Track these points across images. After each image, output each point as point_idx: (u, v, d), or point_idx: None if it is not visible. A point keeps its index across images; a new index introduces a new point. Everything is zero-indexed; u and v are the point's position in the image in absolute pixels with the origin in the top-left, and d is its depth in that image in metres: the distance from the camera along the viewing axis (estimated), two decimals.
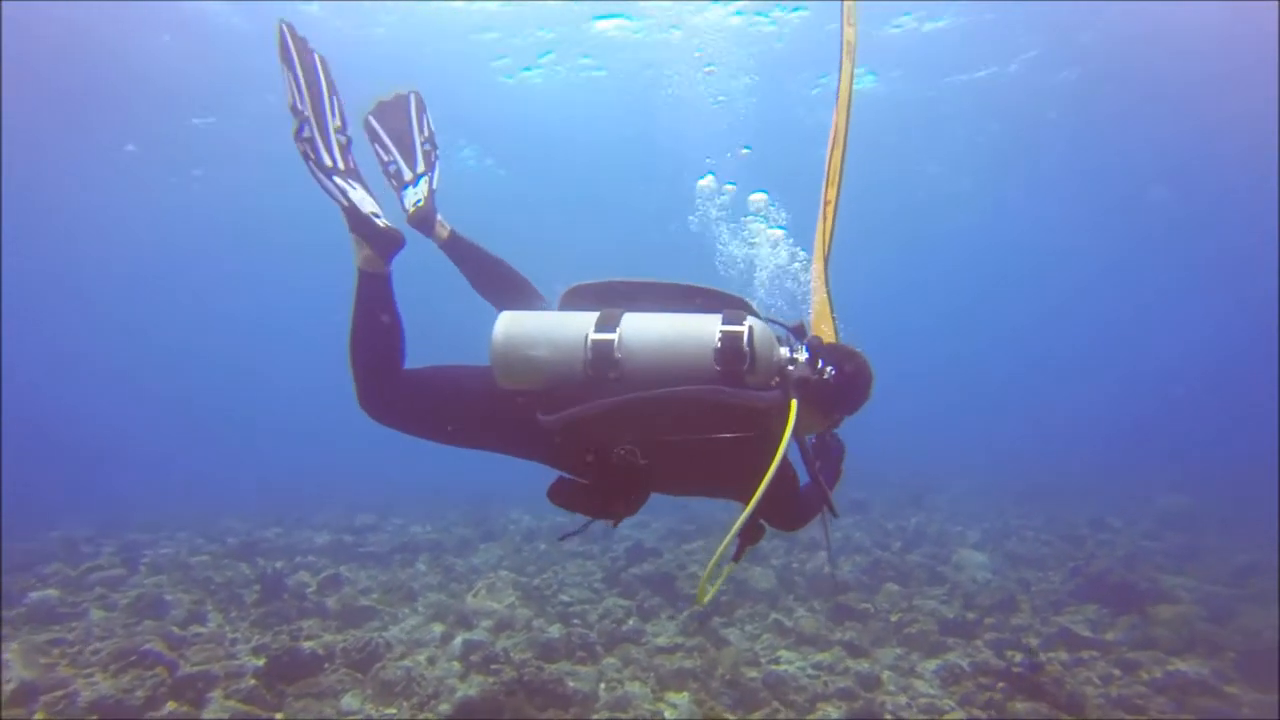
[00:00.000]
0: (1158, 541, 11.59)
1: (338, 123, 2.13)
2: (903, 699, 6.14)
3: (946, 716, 5.84)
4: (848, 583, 8.22)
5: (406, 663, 6.66)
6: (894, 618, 7.62)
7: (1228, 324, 35.64)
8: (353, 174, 2.13)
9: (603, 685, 6.68)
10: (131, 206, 22.15)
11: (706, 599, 2.19)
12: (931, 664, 6.79)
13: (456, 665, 6.80)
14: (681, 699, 6.44)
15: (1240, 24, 14.24)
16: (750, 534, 2.23)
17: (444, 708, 5.77)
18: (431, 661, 6.98)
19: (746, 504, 2.00)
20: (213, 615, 8.01)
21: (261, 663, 6.21)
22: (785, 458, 1.97)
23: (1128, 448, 26.97)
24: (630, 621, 7.99)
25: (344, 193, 2.04)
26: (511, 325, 2.07)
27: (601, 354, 1.97)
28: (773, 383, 2.09)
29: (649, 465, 2.06)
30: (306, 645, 6.60)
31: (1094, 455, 24.36)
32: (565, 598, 8.91)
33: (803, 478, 2.29)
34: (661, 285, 2.22)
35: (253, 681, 5.89)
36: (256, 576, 8.80)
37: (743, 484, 2.02)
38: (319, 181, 2.05)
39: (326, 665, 6.34)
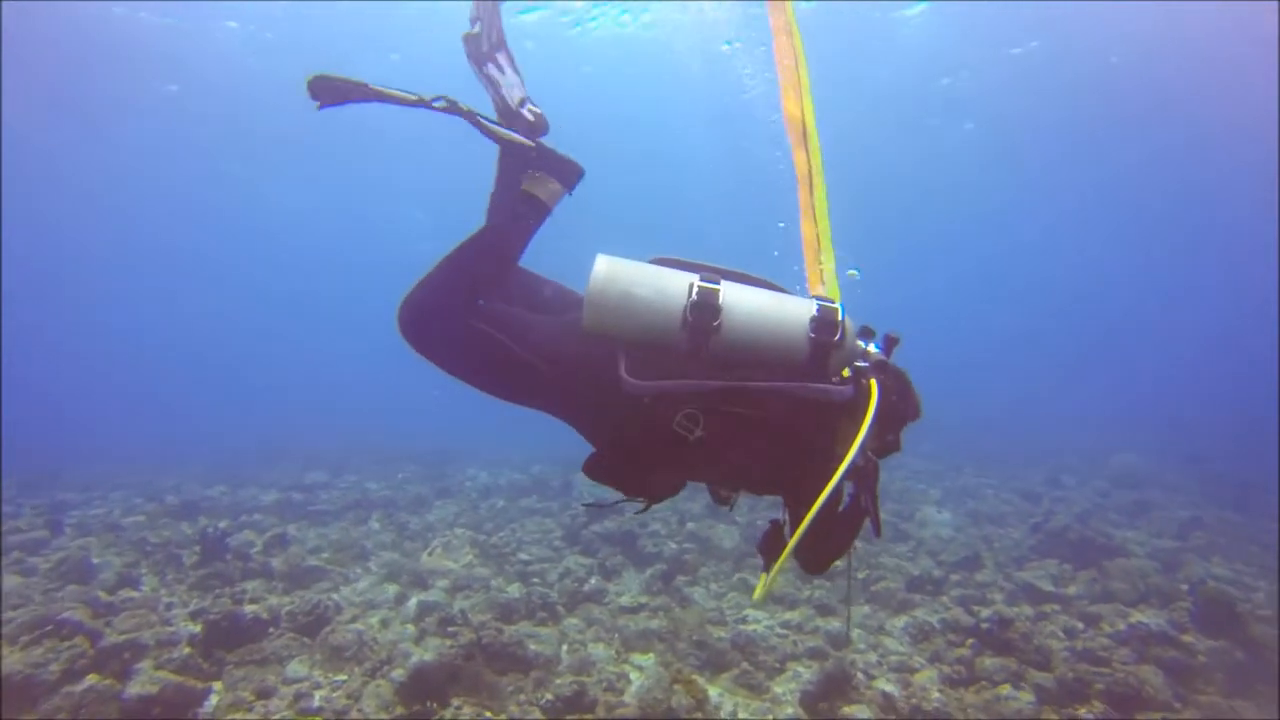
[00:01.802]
0: (1109, 498, 11.87)
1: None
2: (873, 657, 6.06)
3: (918, 674, 5.78)
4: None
5: (358, 626, 6.30)
6: (861, 575, 7.55)
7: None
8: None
9: (565, 647, 6.45)
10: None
11: (757, 596, 2.21)
12: (900, 621, 6.73)
13: (411, 628, 6.48)
14: (647, 660, 6.25)
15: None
16: (774, 547, 2.13)
17: (398, 673, 5.44)
18: (385, 624, 6.64)
19: (791, 501, 1.98)
20: (147, 579, 7.49)
21: (199, 629, 5.78)
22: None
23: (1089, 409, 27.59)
24: (592, 581, 7.76)
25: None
26: (615, 263, 1.97)
27: (706, 303, 1.90)
28: (845, 374, 2.06)
29: (703, 440, 1.96)
30: (249, 609, 6.19)
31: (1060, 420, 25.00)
32: (524, 556, 8.63)
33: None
34: (738, 272, 2.12)
35: (188, 650, 5.46)
36: (197, 536, 8.27)
37: (793, 476, 1.96)
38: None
39: (271, 630, 5.95)
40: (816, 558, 2.17)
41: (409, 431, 22.43)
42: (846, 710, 4.94)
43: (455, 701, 5.20)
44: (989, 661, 5.75)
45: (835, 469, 1.88)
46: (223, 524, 9.15)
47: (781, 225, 2.46)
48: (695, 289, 1.93)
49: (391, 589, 7.57)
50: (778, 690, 5.64)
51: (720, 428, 1.96)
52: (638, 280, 1.95)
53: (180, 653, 5.42)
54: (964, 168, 24.99)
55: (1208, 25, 14.84)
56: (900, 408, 2.14)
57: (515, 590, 7.57)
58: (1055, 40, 16.92)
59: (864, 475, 2.12)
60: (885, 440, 2.17)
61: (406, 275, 2.10)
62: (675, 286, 1.94)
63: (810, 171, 2.35)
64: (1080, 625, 6.61)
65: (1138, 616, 6.72)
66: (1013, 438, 19.84)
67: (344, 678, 5.52)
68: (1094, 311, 44.96)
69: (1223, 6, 14.20)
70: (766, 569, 2.17)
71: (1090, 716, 5.27)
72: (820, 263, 2.32)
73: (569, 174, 2.17)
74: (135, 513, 10.33)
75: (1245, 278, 33.17)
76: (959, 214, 30.67)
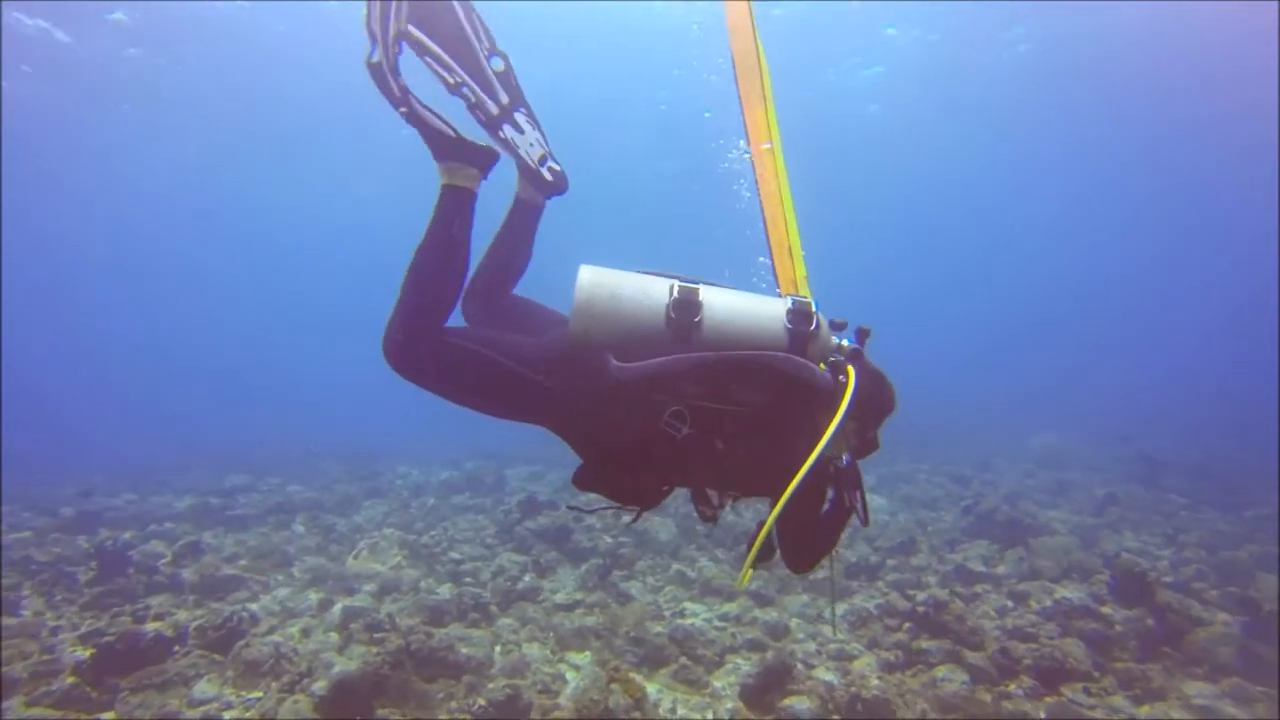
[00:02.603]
0: (1034, 479, 12.33)
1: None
2: (812, 646, 6.04)
3: (857, 661, 5.78)
4: (750, 532, 8.07)
5: (275, 638, 5.90)
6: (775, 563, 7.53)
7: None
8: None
9: (498, 649, 6.21)
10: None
11: (745, 582, 2.14)
12: (839, 609, 6.74)
13: (334, 636, 6.11)
14: (584, 659, 6.08)
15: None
16: (763, 548, 2.10)
17: (319, 686, 5.08)
18: (306, 634, 6.25)
19: (774, 503, 1.96)
20: (29, 601, 6.82)
21: (89, 654, 5.27)
22: (824, 470, 2.04)
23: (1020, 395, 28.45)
24: (526, 578, 7.53)
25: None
26: (598, 271, 2.03)
27: (687, 302, 1.98)
28: (821, 367, 2.06)
29: (691, 439, 2.00)
30: (151, 627, 5.70)
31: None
32: (456, 555, 8.32)
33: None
34: (713, 282, 2.18)
35: (71, 679, 4.95)
36: (94, 550, 7.62)
37: (778, 473, 1.95)
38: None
39: (176, 649, 5.50)
40: (803, 557, 2.19)
41: (342, 430, 21.66)
42: (786, 702, 4.87)
43: (381, 713, 4.90)
44: (926, 644, 5.80)
45: (819, 461, 1.90)
46: (127, 535, 8.48)
47: (762, 260, 2.48)
48: (676, 289, 2.01)
49: (315, 595, 7.16)
50: (717, 684, 5.55)
51: (707, 425, 2.00)
52: (622, 285, 2.01)
53: (61, 684, 4.90)
54: (957, 160, 25.51)
55: (1208, 15, 15.18)
56: (877, 402, 2.17)
57: (446, 591, 7.28)
58: (1048, 29, 17.18)
59: (846, 478, 2.17)
60: (865, 438, 2.22)
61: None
62: (657, 289, 2.01)
63: (778, 179, 2.36)
64: (1010, 604, 6.77)
65: (1061, 592, 6.92)
66: (958, 424, 20.43)
67: (258, 695, 5.14)
68: (1086, 305, 46.21)
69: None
70: (754, 564, 2.16)
71: (1019, 691, 5.38)
72: (792, 270, 2.34)
73: (483, 159, 2.10)
74: (21, 529, 9.45)
75: (1244, 270, 34.23)
76: (950, 205, 31.39)
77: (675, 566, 7.71)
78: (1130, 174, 25.43)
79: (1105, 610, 6.42)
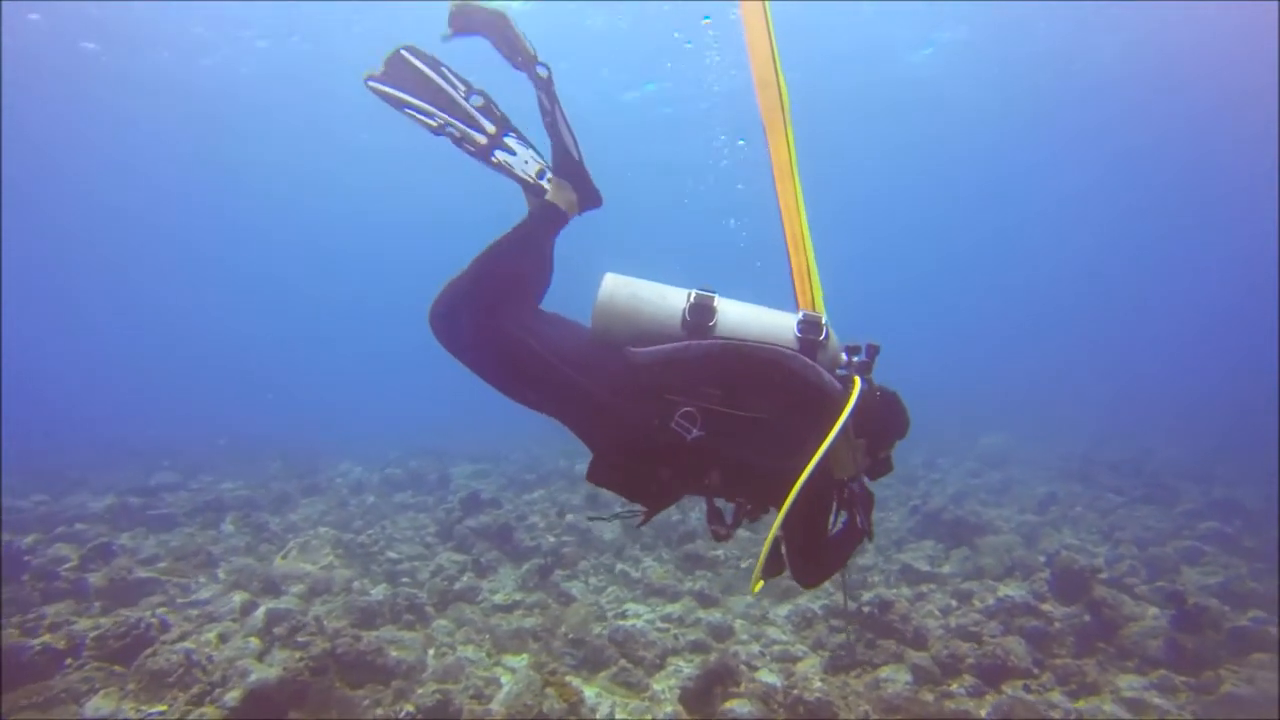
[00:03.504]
0: (980, 478, 12.50)
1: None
2: (756, 647, 5.91)
3: (800, 662, 5.67)
4: (695, 531, 7.93)
5: (187, 644, 5.50)
6: (744, 564, 7.42)
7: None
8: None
9: (432, 652, 5.94)
10: None
11: (758, 589, 2.25)
12: (784, 609, 6.63)
13: (255, 641, 5.73)
14: (520, 661, 5.84)
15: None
16: (773, 561, 2.20)
17: (231, 696, 4.73)
18: (224, 639, 5.86)
19: (780, 512, 1.98)
20: None
21: None
22: (827, 479, 2.11)
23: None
24: (465, 578, 7.25)
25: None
26: (620, 278, 2.16)
27: (702, 306, 2.09)
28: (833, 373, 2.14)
29: (700, 441, 2.05)
30: (39, 640, 5.21)
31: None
32: (393, 555, 7.99)
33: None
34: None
35: None
36: None
37: (784, 482, 1.97)
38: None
39: (68, 661, 5.06)
40: (810, 572, 2.24)
41: (286, 426, 20.89)
42: (727, 705, 4.72)
43: None
44: (870, 644, 5.72)
45: (822, 476, 1.96)
46: (28, 539, 7.88)
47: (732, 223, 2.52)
48: (693, 295, 2.12)
49: (238, 598, 6.74)
50: (657, 687, 5.38)
51: (716, 429, 2.05)
52: (642, 290, 2.14)
53: None
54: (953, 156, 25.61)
55: (1209, 13, 15.29)
56: (886, 420, 2.21)
57: (380, 592, 6.96)
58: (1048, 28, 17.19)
59: (857, 500, 2.22)
60: (877, 458, 2.25)
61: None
62: (675, 294, 2.13)
63: (796, 201, 2.40)
64: (954, 603, 6.76)
65: (1004, 590, 6.96)
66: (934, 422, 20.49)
67: (162, 709, 4.74)
68: (1080, 304, 45.84)
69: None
70: (764, 575, 2.23)
71: (962, 690, 5.34)
72: (810, 292, 2.38)
73: (588, 193, 2.37)
74: None
75: (1242, 271, 34.35)
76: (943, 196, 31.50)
77: (619, 567, 7.52)
78: (1128, 173, 25.79)
79: (1045, 607, 6.46)
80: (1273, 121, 19.36)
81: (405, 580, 7.39)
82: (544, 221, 2.28)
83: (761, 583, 2.24)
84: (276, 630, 5.81)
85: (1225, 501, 10.56)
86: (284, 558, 7.58)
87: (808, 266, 2.41)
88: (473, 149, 2.29)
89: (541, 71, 2.29)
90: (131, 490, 10.71)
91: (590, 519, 2.45)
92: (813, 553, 2.19)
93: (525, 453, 14.43)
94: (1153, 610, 6.41)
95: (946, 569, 7.65)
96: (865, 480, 2.28)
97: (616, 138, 21.46)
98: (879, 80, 20.02)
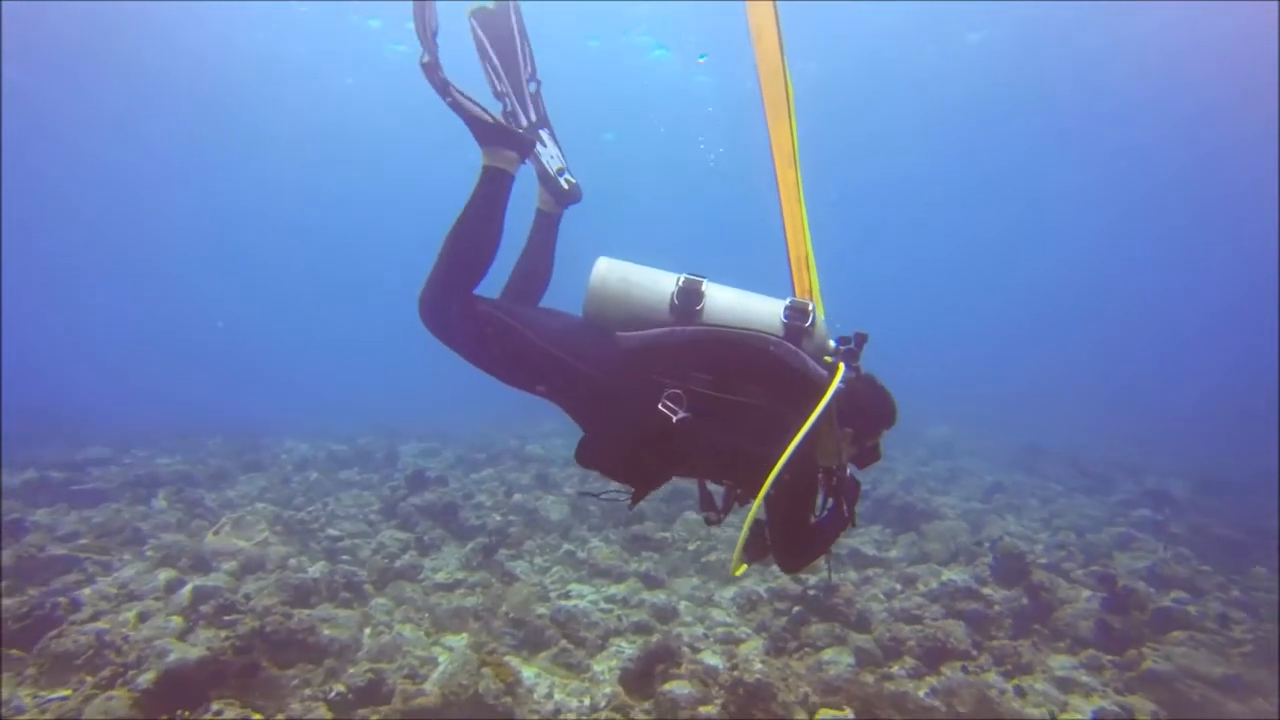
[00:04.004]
0: (929, 467, 12.71)
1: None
2: (699, 629, 5.87)
3: (743, 644, 5.64)
4: (645, 512, 7.86)
5: (99, 625, 5.20)
6: (691, 546, 7.37)
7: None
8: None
9: (368, 630, 5.76)
10: None
11: (739, 572, 2.28)
12: (729, 591, 6.60)
13: (177, 620, 5.46)
14: (459, 641, 5.69)
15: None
16: (756, 545, 2.23)
17: (145, 679, 4.47)
18: (143, 618, 5.56)
19: (759, 493, 2.01)
20: None
21: None
22: (811, 465, 2.13)
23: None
24: (406, 556, 7.05)
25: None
26: (613, 262, 2.21)
27: (690, 290, 2.13)
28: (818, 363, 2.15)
29: (686, 423, 2.06)
30: None
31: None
32: (334, 532, 7.74)
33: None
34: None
35: None
36: None
37: (769, 462, 1.98)
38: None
39: None
40: (792, 557, 2.25)
41: (226, 403, 20.25)
42: (667, 686, 4.65)
43: (216, 705, 4.35)
44: (814, 628, 5.73)
45: (803, 455, 1.97)
46: None
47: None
48: (682, 280, 2.17)
49: (164, 575, 6.42)
50: (598, 668, 5.29)
51: (702, 409, 2.07)
52: (633, 274, 2.19)
53: None
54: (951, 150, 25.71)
55: (1211, 8, 15.45)
56: (871, 409, 2.21)
57: (318, 569, 6.71)
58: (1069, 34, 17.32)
59: (845, 488, 2.25)
60: (864, 447, 2.25)
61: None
62: (665, 279, 2.18)
63: (797, 190, 2.43)
64: (899, 587, 6.82)
65: (948, 574, 7.04)
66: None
67: (65, 694, 4.46)
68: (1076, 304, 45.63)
69: None
70: (748, 560, 2.26)
71: (902, 672, 5.38)
72: (807, 280, 2.40)
73: (522, 144, 2.30)
74: None
75: (1243, 265, 34.09)
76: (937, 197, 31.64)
77: (565, 546, 7.41)
78: (1124, 172, 26.00)
79: (986, 591, 6.57)
80: (1273, 121, 19.60)
81: (345, 558, 7.16)
82: (487, 189, 2.26)
83: (744, 566, 2.27)
84: (203, 608, 5.55)
85: (1157, 491, 10.96)
86: (216, 534, 7.27)
87: (806, 254, 2.45)
88: (514, 126, 2.37)
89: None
90: (55, 465, 10.17)
91: (581, 494, 2.44)
92: (796, 537, 2.20)
93: (476, 432, 14.20)
94: (1085, 593, 6.57)
95: (893, 553, 7.72)
96: (853, 469, 2.31)
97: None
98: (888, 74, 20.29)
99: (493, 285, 2.44)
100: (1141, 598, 6.20)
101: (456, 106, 2.20)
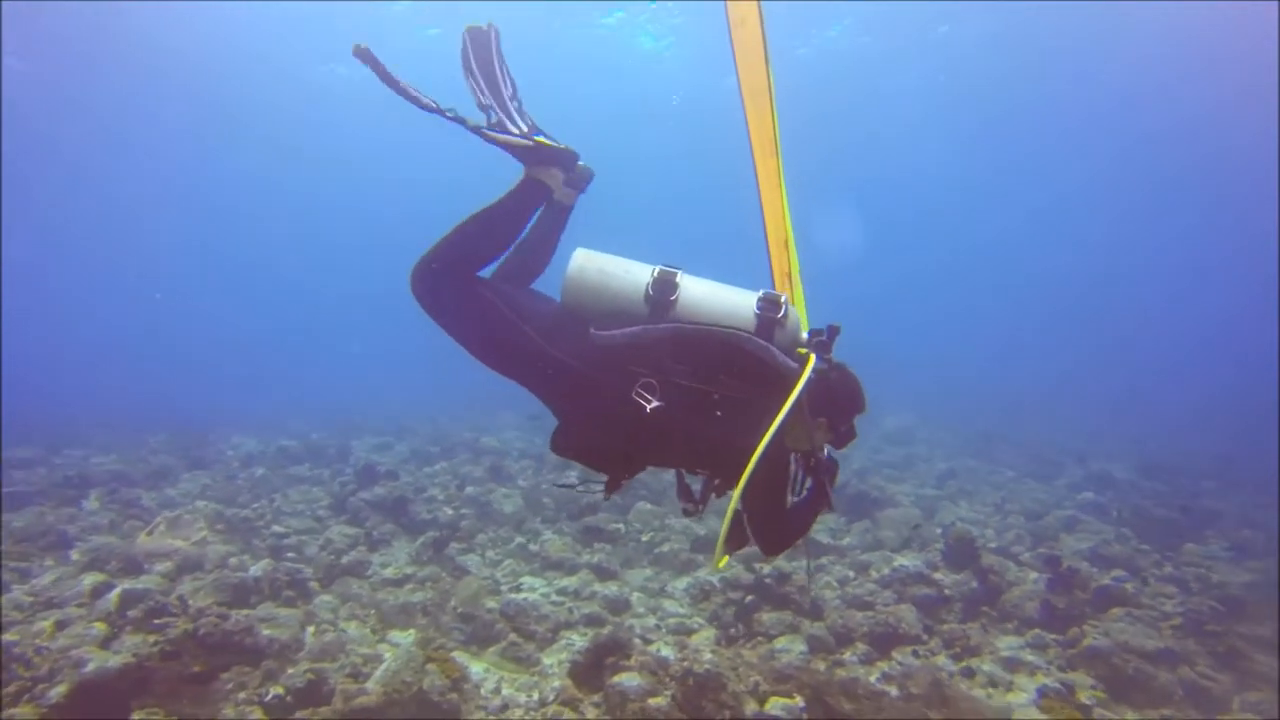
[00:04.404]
0: (884, 455, 12.87)
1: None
2: (651, 620, 5.80)
3: (695, 634, 5.59)
4: (596, 504, 7.78)
5: (8, 638, 4.88)
6: (645, 538, 7.30)
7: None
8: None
9: (311, 629, 5.56)
10: None
11: (722, 564, 2.31)
12: (682, 582, 6.55)
13: (100, 627, 5.16)
14: (406, 637, 5.53)
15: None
16: (736, 535, 2.24)
17: (57, 692, 4.20)
18: (61, 627, 5.25)
19: (738, 486, 2.04)
20: None
21: None
22: (784, 453, 2.18)
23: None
24: (354, 552, 6.85)
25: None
26: (590, 253, 2.22)
27: (665, 282, 2.14)
28: (790, 355, 2.17)
29: (659, 412, 2.08)
30: None
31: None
32: (279, 529, 7.50)
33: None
34: None
35: None
36: None
37: (741, 449, 2.03)
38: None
39: None
40: (772, 540, 2.27)
41: (169, 398, 19.52)
42: (616, 678, 4.57)
43: (138, 715, 4.13)
44: (767, 616, 5.71)
45: (776, 444, 1.99)
46: None
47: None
48: (657, 271, 2.18)
49: (90, 580, 6.09)
50: (547, 662, 5.19)
51: (675, 399, 2.09)
52: (609, 265, 2.20)
53: None
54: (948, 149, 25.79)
55: (1210, 12, 15.53)
56: (843, 398, 2.25)
57: (261, 568, 6.45)
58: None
59: (822, 468, 2.28)
60: (839, 431, 2.29)
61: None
62: (641, 270, 2.19)
63: (778, 178, 2.44)
64: (852, 574, 6.85)
65: (900, 560, 7.10)
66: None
67: None
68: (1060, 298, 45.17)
69: None
70: (728, 549, 2.25)
71: (854, 658, 5.40)
72: (787, 267, 2.45)
73: (567, 160, 2.37)
74: None
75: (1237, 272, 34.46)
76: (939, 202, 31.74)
77: (518, 539, 7.28)
78: (1123, 171, 26.31)
79: (937, 575, 6.64)
80: (1273, 120, 19.76)
81: (291, 555, 6.93)
82: (527, 193, 2.33)
83: (726, 558, 2.27)
84: (131, 613, 5.26)
85: (1100, 475, 11.27)
86: (149, 534, 6.94)
87: (786, 238, 2.47)
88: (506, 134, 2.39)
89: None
90: None
91: (559, 487, 2.41)
92: (775, 523, 2.23)
93: (434, 426, 13.93)
94: (1033, 575, 6.70)
95: (847, 541, 7.77)
96: (830, 449, 2.35)
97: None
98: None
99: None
100: (1084, 578, 6.35)
101: (492, 139, 2.29)
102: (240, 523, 7.56)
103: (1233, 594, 6.27)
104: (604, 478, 2.32)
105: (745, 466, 1.98)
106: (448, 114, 2.23)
